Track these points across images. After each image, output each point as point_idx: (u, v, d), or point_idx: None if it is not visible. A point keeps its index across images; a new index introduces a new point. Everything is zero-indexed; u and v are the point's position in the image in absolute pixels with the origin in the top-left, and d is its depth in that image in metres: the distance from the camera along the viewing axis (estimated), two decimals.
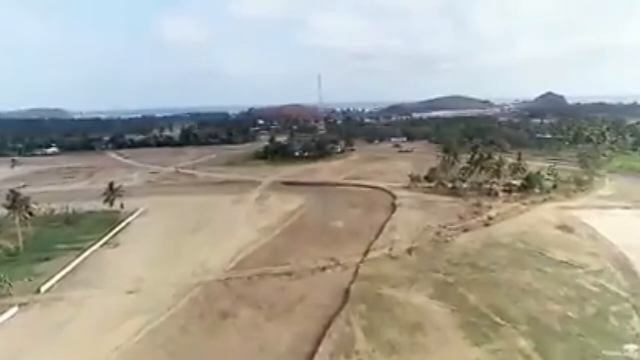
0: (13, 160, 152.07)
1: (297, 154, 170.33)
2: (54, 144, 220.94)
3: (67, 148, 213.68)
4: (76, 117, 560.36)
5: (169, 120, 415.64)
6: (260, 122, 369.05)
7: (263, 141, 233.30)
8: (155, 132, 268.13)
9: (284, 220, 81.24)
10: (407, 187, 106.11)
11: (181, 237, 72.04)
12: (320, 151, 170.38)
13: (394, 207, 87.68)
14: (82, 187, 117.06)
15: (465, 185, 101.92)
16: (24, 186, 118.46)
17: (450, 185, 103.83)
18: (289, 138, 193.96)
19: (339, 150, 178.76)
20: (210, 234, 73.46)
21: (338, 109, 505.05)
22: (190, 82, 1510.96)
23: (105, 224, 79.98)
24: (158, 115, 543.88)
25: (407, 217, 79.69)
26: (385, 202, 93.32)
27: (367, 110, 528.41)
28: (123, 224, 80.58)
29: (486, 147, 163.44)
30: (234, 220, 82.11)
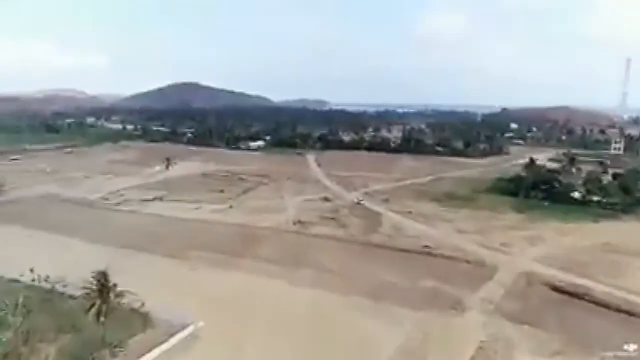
0: (167, 160, 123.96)
1: (576, 195, 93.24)
2: (267, 137, 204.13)
3: (274, 143, 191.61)
4: (333, 107, 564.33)
5: (410, 117, 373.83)
6: (514, 126, 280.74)
7: (514, 157, 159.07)
8: (363, 133, 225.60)
9: None
10: None
11: None
12: (628, 196, 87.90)
13: None
14: (204, 217, 77.48)
15: None
16: (153, 199, 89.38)
17: None
18: (565, 165, 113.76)
19: None
20: None
21: (626, 116, 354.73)
22: (446, 78, 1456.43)
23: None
24: (400, 110, 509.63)
25: None
26: None
27: None
28: None
29: None
30: None
